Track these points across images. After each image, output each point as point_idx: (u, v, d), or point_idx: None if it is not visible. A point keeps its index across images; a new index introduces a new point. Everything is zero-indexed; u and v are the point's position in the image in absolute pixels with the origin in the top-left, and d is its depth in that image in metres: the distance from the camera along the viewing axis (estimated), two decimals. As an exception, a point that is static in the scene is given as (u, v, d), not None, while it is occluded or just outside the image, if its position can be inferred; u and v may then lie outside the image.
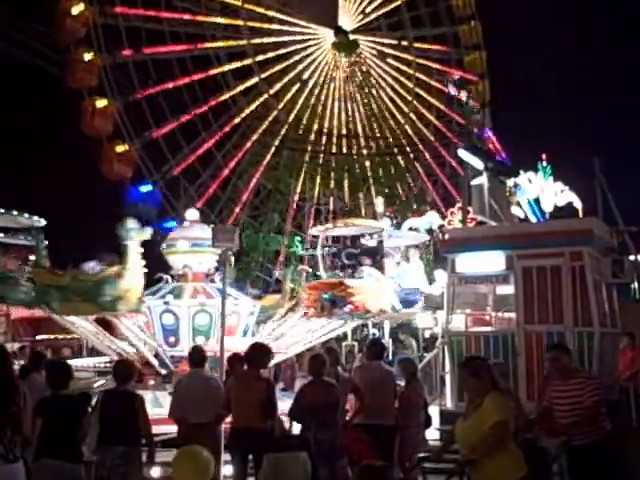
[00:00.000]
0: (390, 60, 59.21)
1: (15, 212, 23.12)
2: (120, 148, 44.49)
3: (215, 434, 11.43)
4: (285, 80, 54.58)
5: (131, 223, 17.20)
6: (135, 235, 17.12)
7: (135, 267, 17.19)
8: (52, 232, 20.96)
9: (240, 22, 51.92)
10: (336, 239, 35.23)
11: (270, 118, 53.79)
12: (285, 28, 54.24)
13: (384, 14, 59.43)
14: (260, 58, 52.99)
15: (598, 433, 9.46)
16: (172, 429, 12.26)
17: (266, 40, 53.17)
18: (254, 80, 52.88)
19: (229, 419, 11.26)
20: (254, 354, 11.30)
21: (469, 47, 61.04)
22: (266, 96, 53.50)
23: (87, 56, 43.59)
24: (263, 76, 53.41)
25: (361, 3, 58.34)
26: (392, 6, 59.25)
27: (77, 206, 50.81)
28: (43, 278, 16.84)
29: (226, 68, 51.47)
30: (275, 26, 53.77)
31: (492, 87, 59.78)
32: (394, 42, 59.12)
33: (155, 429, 10.87)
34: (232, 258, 17.97)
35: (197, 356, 12.40)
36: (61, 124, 50.32)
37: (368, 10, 58.46)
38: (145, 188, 45.82)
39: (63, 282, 16.71)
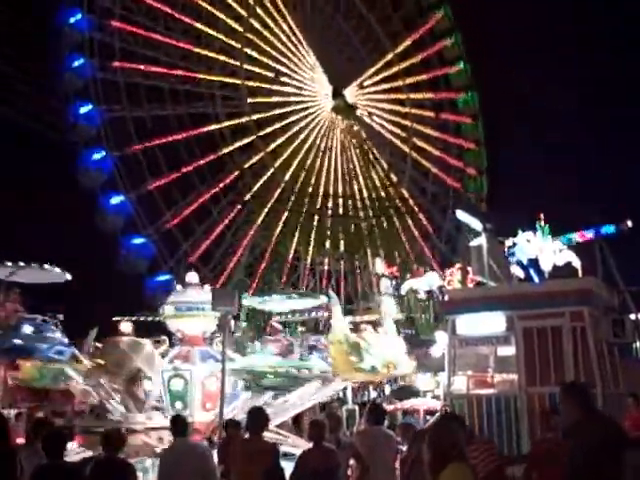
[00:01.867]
0: (387, 124, 60.04)
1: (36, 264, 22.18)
2: (115, 200, 44.90)
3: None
4: (282, 139, 55.06)
5: None
6: None
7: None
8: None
9: (239, 81, 52.64)
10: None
11: (266, 176, 54.08)
12: (283, 89, 54.99)
13: (377, 70, 60.64)
14: (257, 116, 53.57)
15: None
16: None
17: (264, 100, 53.86)
18: (251, 138, 53.34)
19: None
20: (254, 419, 11.10)
21: (461, 88, 62.48)
22: (262, 154, 53.91)
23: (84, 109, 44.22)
24: (260, 134, 53.92)
25: (357, 63, 59.60)
26: (387, 59, 60.62)
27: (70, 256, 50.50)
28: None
29: (224, 125, 51.88)
30: (274, 87, 54.51)
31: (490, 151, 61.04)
32: (390, 97, 60.09)
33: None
34: (232, 321, 17.92)
35: (180, 425, 11.76)
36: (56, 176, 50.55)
37: (365, 72, 59.74)
38: (138, 240, 45.83)
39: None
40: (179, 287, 21.99)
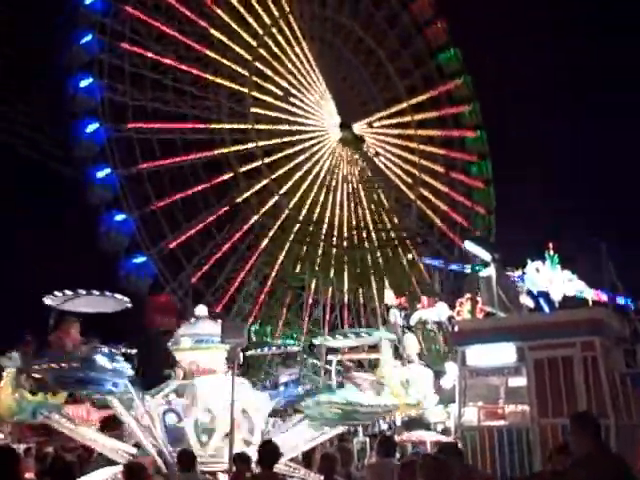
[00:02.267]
0: (395, 158, 60.35)
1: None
2: (119, 218, 45.03)
3: None
4: (288, 166, 55.14)
5: None
6: None
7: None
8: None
9: (246, 110, 52.94)
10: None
11: (271, 203, 54.09)
12: (291, 118, 55.25)
13: (385, 103, 61.05)
14: (263, 143, 53.76)
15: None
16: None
17: (271, 127, 54.11)
18: (257, 163, 53.46)
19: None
20: (267, 453, 10.99)
21: (469, 127, 62.81)
22: (268, 181, 53.99)
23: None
24: (266, 161, 54.06)
25: (365, 96, 60.07)
26: (394, 94, 61.09)
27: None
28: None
29: (230, 150, 52.01)
30: (282, 115, 54.72)
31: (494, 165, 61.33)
32: (398, 132, 60.45)
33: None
34: (241, 354, 17.85)
35: (186, 460, 11.68)
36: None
37: (367, 94, 60.24)
38: (139, 260, 45.71)
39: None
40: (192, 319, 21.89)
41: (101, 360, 17.63)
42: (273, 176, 54.00)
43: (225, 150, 51.70)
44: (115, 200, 45.29)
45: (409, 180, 60.73)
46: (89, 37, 45.39)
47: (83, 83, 44.99)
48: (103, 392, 17.57)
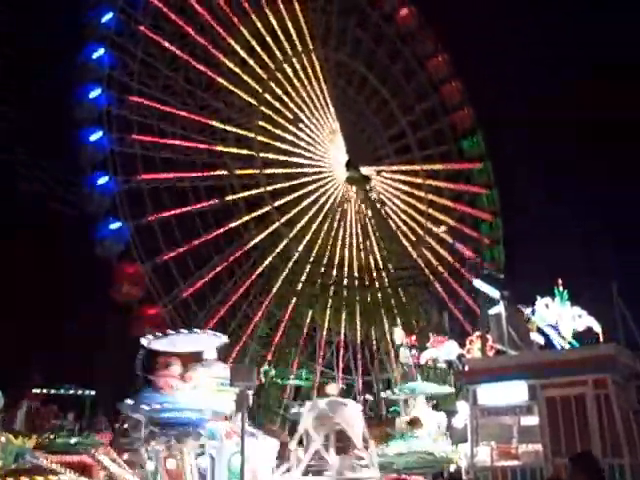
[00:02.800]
0: (402, 195, 60.46)
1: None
2: (130, 269, 45.03)
3: None
4: (297, 209, 55.19)
5: None
6: None
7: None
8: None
9: (254, 153, 53.24)
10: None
11: (281, 247, 54.11)
12: (297, 160, 55.47)
13: (390, 139, 61.31)
14: (272, 188, 53.89)
15: None
16: None
17: (278, 171, 54.31)
18: (266, 208, 53.54)
19: None
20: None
21: (474, 159, 62.97)
22: (277, 224, 54.05)
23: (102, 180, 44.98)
24: (275, 205, 54.15)
25: (369, 134, 60.38)
26: (397, 130, 61.39)
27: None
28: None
29: (239, 196, 52.17)
30: (290, 158, 54.97)
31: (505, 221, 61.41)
32: (406, 181, 60.71)
33: None
34: (250, 397, 17.72)
35: None
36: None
37: (379, 147, 60.56)
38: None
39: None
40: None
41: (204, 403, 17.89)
42: (283, 220, 54.17)
43: (234, 196, 51.97)
44: (126, 250, 45.47)
45: (417, 217, 60.80)
46: (98, 91, 45.96)
47: (93, 137, 45.49)
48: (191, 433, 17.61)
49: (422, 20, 63.25)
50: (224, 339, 21.27)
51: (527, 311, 23.44)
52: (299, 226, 54.96)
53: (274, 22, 54.73)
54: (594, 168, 66.74)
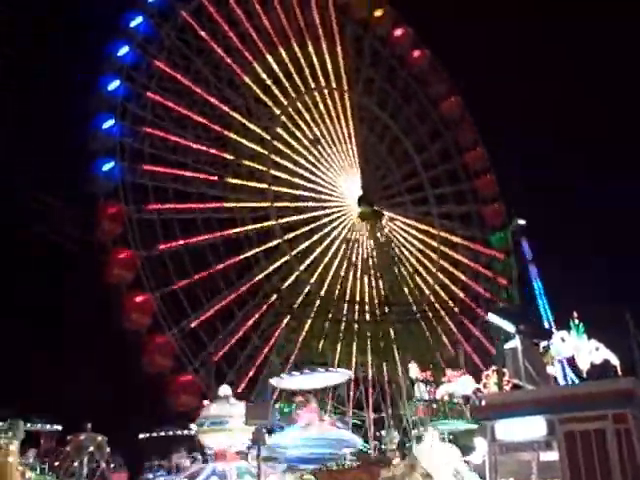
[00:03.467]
0: (414, 232, 60.41)
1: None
2: (139, 298, 45.06)
3: None
4: (308, 243, 55.12)
5: None
6: None
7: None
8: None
9: (265, 185, 53.36)
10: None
11: (292, 279, 53.92)
12: (309, 194, 55.58)
13: (407, 189, 61.39)
14: (283, 221, 53.91)
15: None
16: None
17: (290, 205, 54.38)
18: (276, 241, 53.47)
19: None
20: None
21: (495, 229, 62.79)
22: (288, 257, 53.95)
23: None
24: (286, 238, 54.11)
25: (384, 177, 60.51)
26: (415, 182, 61.49)
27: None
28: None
29: (250, 228, 52.18)
30: (302, 192, 55.07)
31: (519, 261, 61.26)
32: (419, 218, 60.76)
33: None
34: (265, 435, 17.60)
35: None
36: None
37: (392, 184, 60.69)
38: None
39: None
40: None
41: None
42: (293, 252, 54.11)
43: (245, 228, 52.05)
44: (136, 280, 45.55)
45: (429, 253, 60.74)
46: (111, 122, 46.47)
47: (105, 167, 45.92)
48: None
49: (435, 61, 64.16)
50: (351, 374, 21.89)
51: (543, 345, 23.24)
52: (311, 258, 54.91)
53: (287, 60, 55.33)
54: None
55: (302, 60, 56.27)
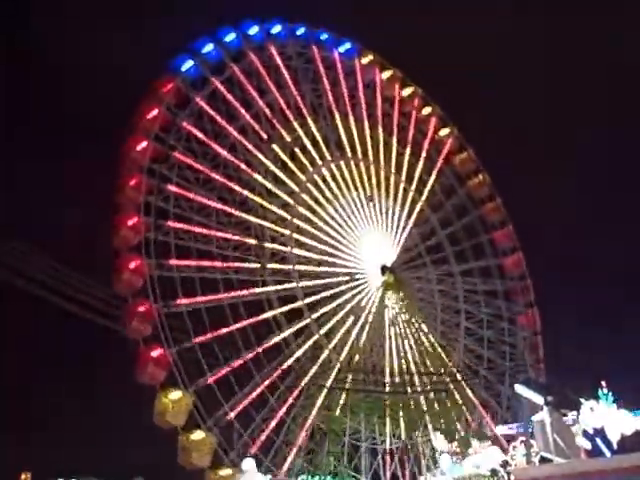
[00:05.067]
0: (437, 297, 60.32)
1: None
2: (155, 351, 45.23)
3: None
4: (335, 320, 54.98)
5: None
6: None
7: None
8: None
9: (290, 266, 53.61)
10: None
11: (322, 358, 53.64)
12: (333, 270, 55.72)
13: (427, 249, 61.54)
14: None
15: None
16: None
17: (315, 283, 54.45)
18: (305, 321, 53.46)
19: None
20: None
21: (514, 278, 62.80)
22: (317, 336, 53.80)
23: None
24: (313, 317, 54.03)
25: (405, 240, 60.73)
26: (434, 241, 61.70)
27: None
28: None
29: (277, 311, 52.29)
30: (323, 268, 55.27)
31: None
32: (441, 278, 60.77)
33: None
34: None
35: None
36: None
37: (412, 246, 60.81)
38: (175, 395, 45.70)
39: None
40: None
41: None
42: (314, 316, 54.09)
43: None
44: (154, 336, 45.70)
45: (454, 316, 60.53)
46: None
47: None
48: None
49: (461, 139, 65.36)
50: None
51: (572, 415, 22.87)
52: (339, 335, 54.94)
53: (301, 134, 56.45)
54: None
55: (311, 137, 57.22)
